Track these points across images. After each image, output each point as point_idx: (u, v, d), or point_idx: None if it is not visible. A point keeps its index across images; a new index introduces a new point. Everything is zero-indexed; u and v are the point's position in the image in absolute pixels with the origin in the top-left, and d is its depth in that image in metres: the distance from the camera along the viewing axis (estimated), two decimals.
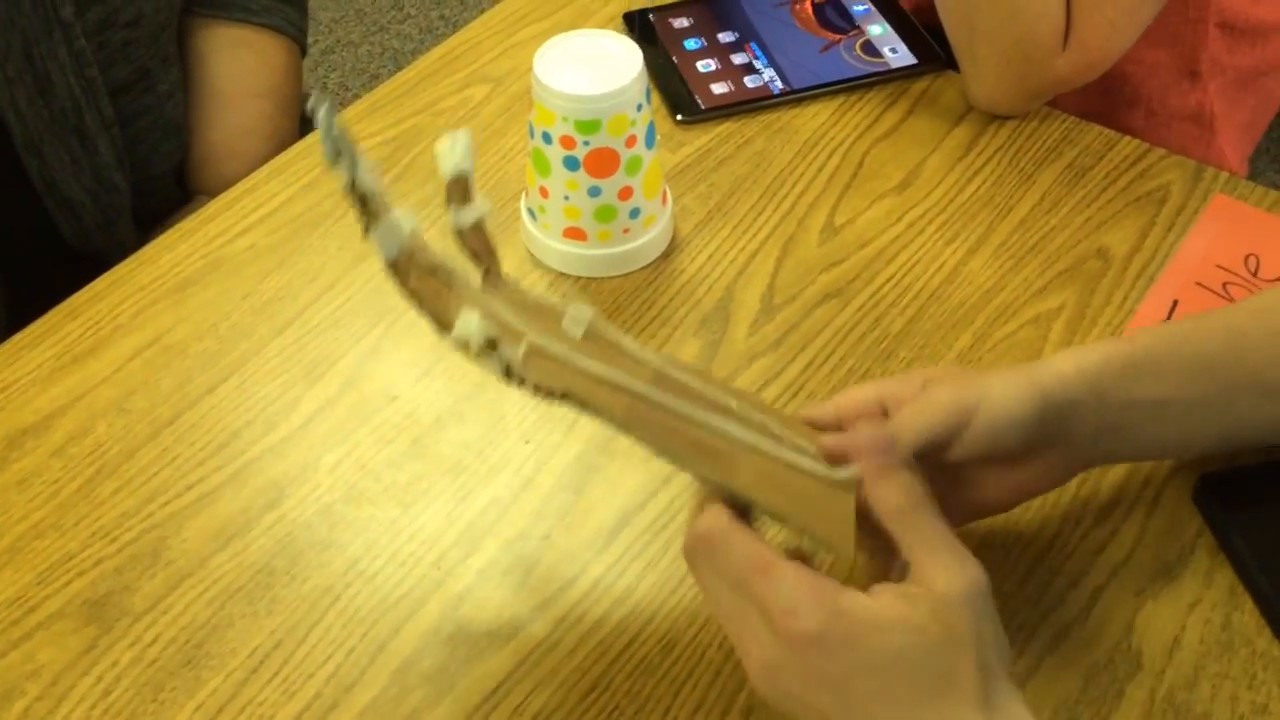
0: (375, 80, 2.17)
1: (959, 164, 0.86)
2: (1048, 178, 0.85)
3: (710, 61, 0.94)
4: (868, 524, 0.51)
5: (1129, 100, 1.00)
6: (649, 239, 0.79)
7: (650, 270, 0.80)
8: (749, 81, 0.92)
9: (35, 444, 0.70)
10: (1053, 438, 0.56)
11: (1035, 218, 0.82)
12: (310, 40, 2.30)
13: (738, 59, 0.94)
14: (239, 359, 0.75)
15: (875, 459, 0.51)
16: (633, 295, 0.79)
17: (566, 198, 0.76)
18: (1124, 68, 0.94)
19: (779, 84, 0.92)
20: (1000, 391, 0.55)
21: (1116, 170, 0.85)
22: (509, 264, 0.81)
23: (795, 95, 0.91)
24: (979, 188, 0.84)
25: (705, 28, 0.97)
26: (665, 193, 0.81)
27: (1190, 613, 0.62)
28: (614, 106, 0.73)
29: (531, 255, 0.81)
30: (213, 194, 0.99)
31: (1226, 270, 0.78)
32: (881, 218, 0.83)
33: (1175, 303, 0.76)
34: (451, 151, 0.55)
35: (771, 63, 0.94)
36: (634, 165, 0.75)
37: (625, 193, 0.76)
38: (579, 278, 0.80)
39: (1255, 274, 0.78)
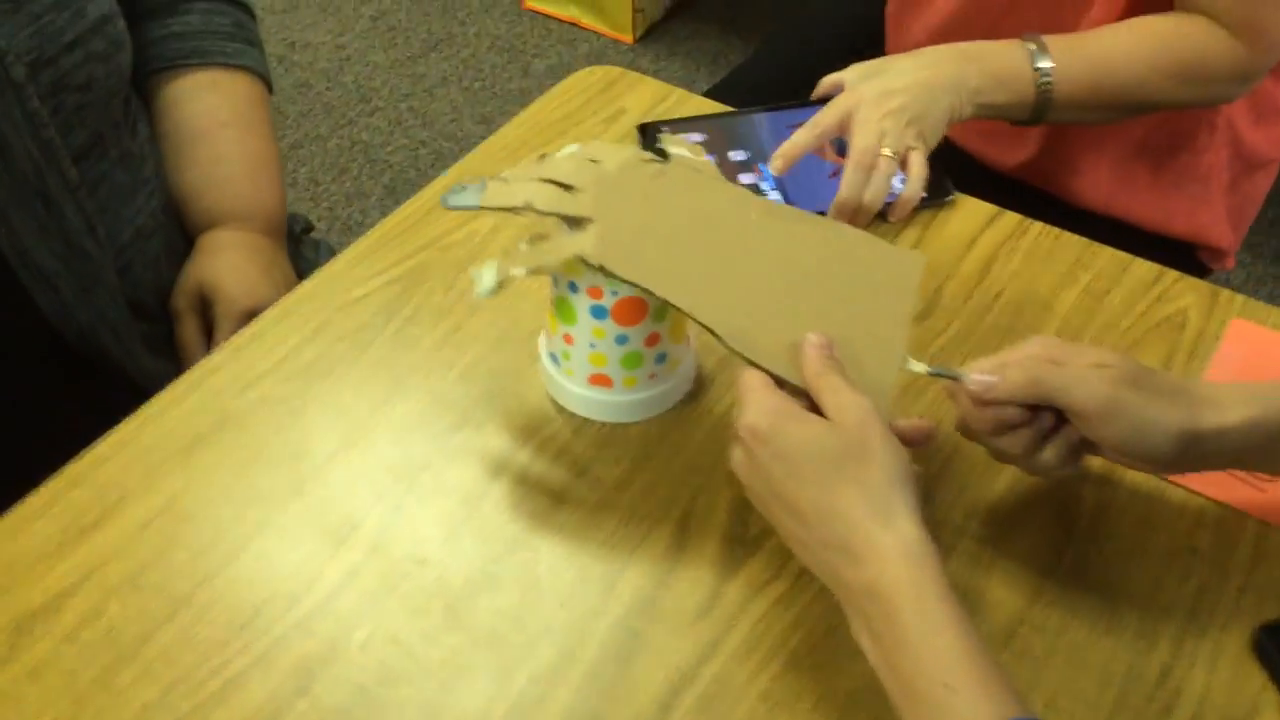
0: (345, 174, 2.16)
1: (976, 290, 0.86)
2: (1066, 302, 0.85)
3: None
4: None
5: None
6: (675, 382, 0.78)
7: (676, 411, 0.78)
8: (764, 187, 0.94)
9: (45, 629, 0.67)
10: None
11: None
12: (279, 134, 2.29)
13: (745, 179, 0.94)
14: (256, 525, 0.72)
15: (809, 346, 0.65)
16: (660, 439, 0.77)
17: (592, 345, 0.74)
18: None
19: (781, 197, 0.93)
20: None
21: (1134, 295, 0.85)
22: (528, 405, 0.78)
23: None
24: (999, 316, 0.84)
25: (718, 144, 0.97)
26: (689, 334, 0.79)
27: None
28: None
29: (552, 399, 0.79)
30: (200, 231, 0.96)
31: None
32: None
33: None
34: (480, 280, 0.69)
35: (779, 185, 0.93)
36: (662, 311, 0.73)
37: (652, 339, 0.74)
38: (603, 423, 0.78)
39: None
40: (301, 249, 1.03)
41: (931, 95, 0.90)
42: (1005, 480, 0.74)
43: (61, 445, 0.75)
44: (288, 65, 2.38)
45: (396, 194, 2.12)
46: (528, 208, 0.70)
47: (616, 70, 1.04)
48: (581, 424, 0.78)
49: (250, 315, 0.90)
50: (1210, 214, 1.09)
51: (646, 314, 0.72)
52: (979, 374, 0.65)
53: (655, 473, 0.75)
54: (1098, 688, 0.64)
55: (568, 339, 0.74)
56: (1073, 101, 0.94)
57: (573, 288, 0.72)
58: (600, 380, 0.76)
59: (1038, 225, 0.90)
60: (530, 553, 0.71)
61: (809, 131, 0.90)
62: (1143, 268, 0.87)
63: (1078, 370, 0.63)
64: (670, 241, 0.69)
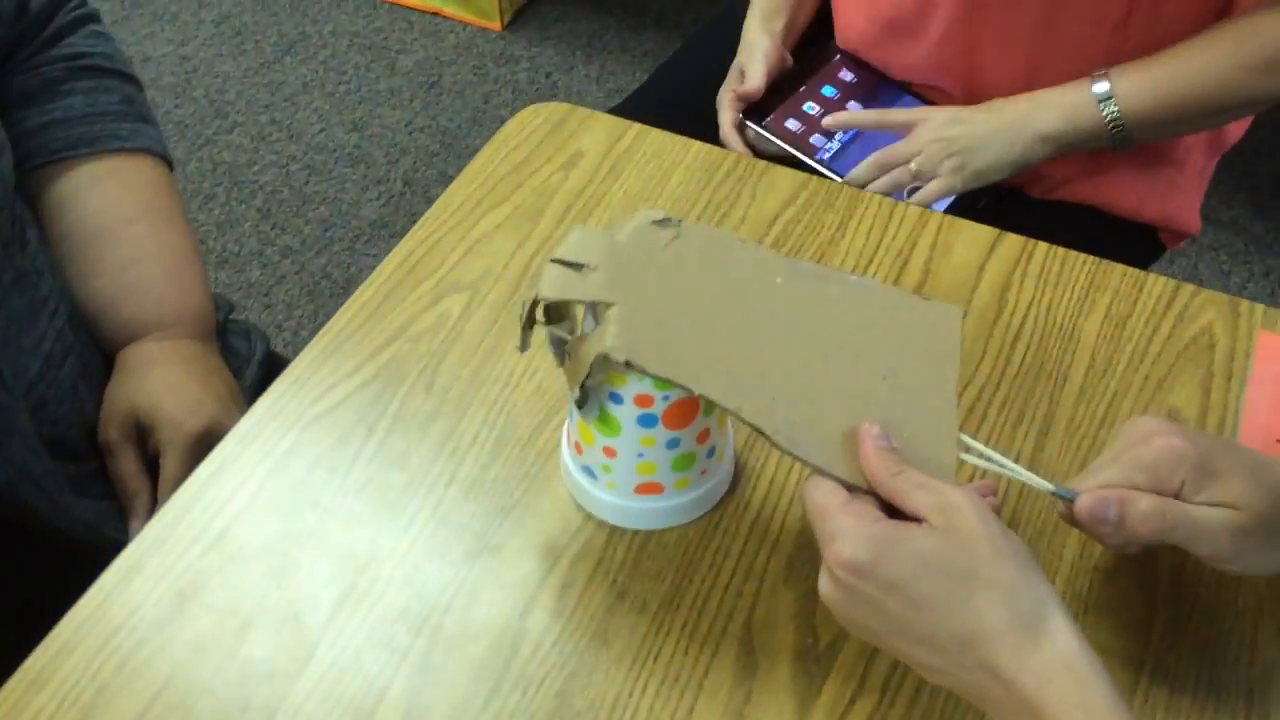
0: (212, 200, 1.98)
1: (995, 327, 0.81)
2: (1090, 332, 0.80)
3: (815, 107, 1.09)
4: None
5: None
6: (724, 472, 0.70)
7: (714, 508, 0.71)
8: (814, 140, 1.07)
9: None
10: None
11: (1092, 382, 0.77)
12: None
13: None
14: (264, 709, 0.62)
15: (867, 442, 0.58)
16: (702, 543, 0.69)
17: (640, 455, 0.66)
18: None
19: (828, 155, 1.06)
20: None
21: (1155, 315, 0.81)
22: (545, 517, 0.70)
23: (823, 171, 1.04)
24: (1025, 354, 0.79)
25: (853, 90, 1.10)
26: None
27: None
28: None
29: (579, 506, 0.70)
30: (120, 346, 0.85)
31: None
32: None
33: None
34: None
35: (848, 142, 1.07)
36: (711, 404, 0.65)
37: (703, 435, 0.66)
38: (637, 530, 0.70)
39: None
40: (230, 340, 0.91)
41: (989, 138, 0.99)
42: (1072, 546, 0.69)
43: None
44: None
45: (272, 217, 1.97)
46: (539, 300, 0.61)
47: (563, 108, 0.95)
48: (611, 532, 0.70)
49: (200, 438, 0.79)
50: (1182, 198, 1.07)
51: (698, 412, 0.64)
52: (1095, 504, 0.58)
53: (703, 583, 0.68)
54: None
55: (609, 452, 0.66)
56: (1151, 119, 0.97)
57: (615, 399, 0.63)
58: (650, 489, 0.68)
59: (1042, 246, 0.86)
60: (583, 701, 0.63)
61: (873, 117, 1.05)
62: (1158, 284, 0.83)
63: (1203, 519, 0.58)
64: (697, 322, 0.62)
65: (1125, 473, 0.59)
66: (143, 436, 0.79)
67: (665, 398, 0.62)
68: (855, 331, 0.64)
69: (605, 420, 0.65)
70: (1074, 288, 0.83)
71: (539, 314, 0.62)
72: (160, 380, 0.79)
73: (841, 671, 0.64)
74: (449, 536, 0.69)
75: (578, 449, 0.68)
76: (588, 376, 0.61)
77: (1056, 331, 0.80)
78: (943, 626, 0.53)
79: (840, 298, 0.65)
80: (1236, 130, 1.08)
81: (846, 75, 1.12)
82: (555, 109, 0.95)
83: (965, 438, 0.62)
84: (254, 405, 0.75)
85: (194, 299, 0.85)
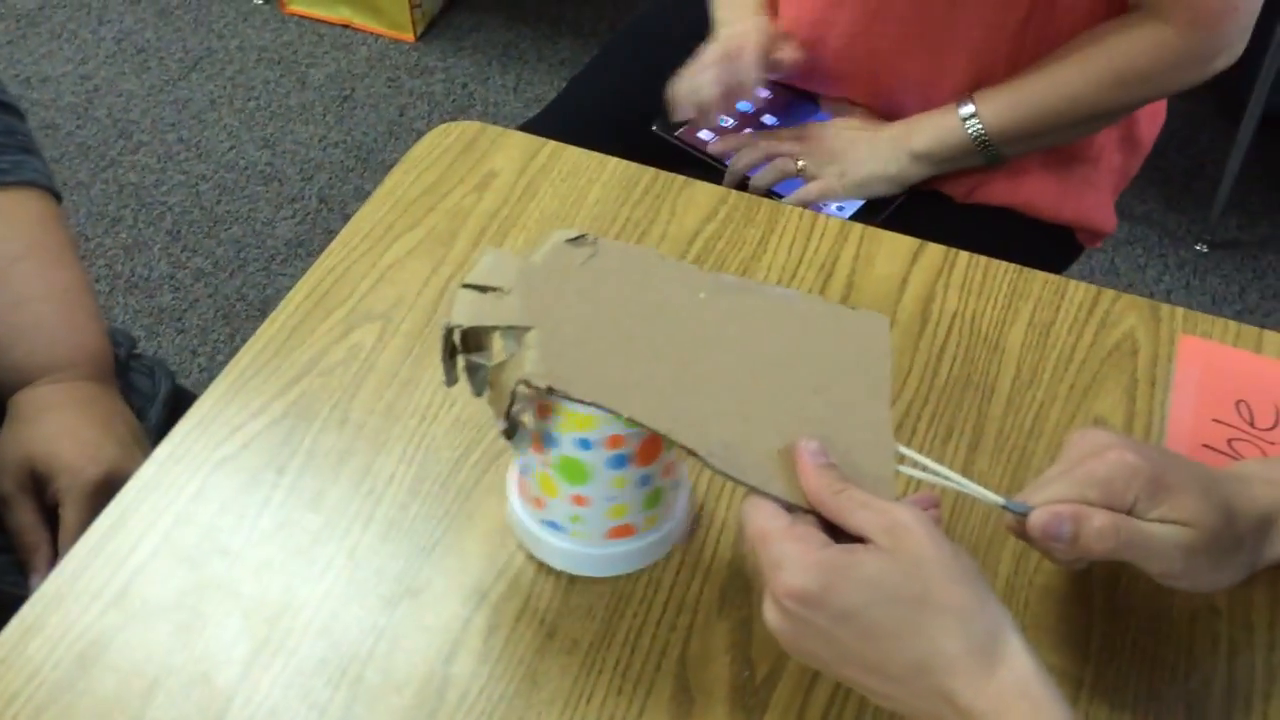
0: (119, 223, 1.92)
1: (921, 340, 0.80)
2: (1015, 341, 0.80)
3: (729, 120, 1.09)
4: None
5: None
6: (683, 503, 0.67)
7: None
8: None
9: None
10: None
11: (1019, 393, 0.77)
12: None
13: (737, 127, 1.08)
14: None
15: (804, 458, 0.56)
16: (633, 578, 0.67)
17: (611, 499, 0.62)
18: None
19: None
20: None
21: (1078, 322, 0.81)
22: (468, 560, 0.67)
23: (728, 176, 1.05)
24: (952, 367, 0.78)
25: (768, 105, 1.10)
26: None
27: None
28: None
29: (533, 558, 0.67)
30: (10, 392, 0.80)
31: (1225, 424, 0.75)
32: None
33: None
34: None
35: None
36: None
37: (669, 468, 0.64)
38: (577, 578, 0.67)
39: (1252, 424, 0.75)
40: (132, 378, 0.87)
41: (869, 153, 1.04)
42: (1008, 561, 0.68)
43: None
44: (27, 104, 2.10)
45: (182, 239, 1.91)
46: (454, 327, 0.59)
47: (474, 127, 0.92)
48: (539, 569, 0.67)
49: (100, 486, 0.75)
50: (1097, 197, 1.07)
51: (663, 444, 0.61)
52: (1049, 521, 0.57)
53: (635, 618, 0.65)
54: None
55: (579, 500, 0.63)
56: (1014, 135, 1.00)
57: (583, 444, 0.60)
58: (622, 532, 0.64)
59: (964, 255, 0.85)
60: None
61: (763, 142, 1.06)
62: (1079, 290, 0.83)
63: (1158, 535, 0.57)
64: (620, 342, 0.59)
65: (1078, 488, 0.58)
66: (40, 486, 0.75)
67: (637, 435, 0.60)
68: (783, 345, 0.62)
69: (572, 469, 0.61)
70: (997, 296, 0.83)
71: (456, 342, 0.60)
72: (56, 426, 0.75)
73: (779, 705, 0.62)
74: (367, 581, 0.66)
75: (537, 504, 0.65)
76: (511, 405, 0.58)
77: (982, 342, 0.80)
78: (895, 655, 0.51)
79: (765, 311, 0.63)
80: (1150, 128, 1.09)
81: (762, 91, 1.10)
82: (467, 128, 0.92)
83: (903, 449, 0.60)
84: (156, 449, 0.71)
85: (88, 338, 0.80)
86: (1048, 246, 1.10)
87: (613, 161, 0.91)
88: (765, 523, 0.55)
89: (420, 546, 0.68)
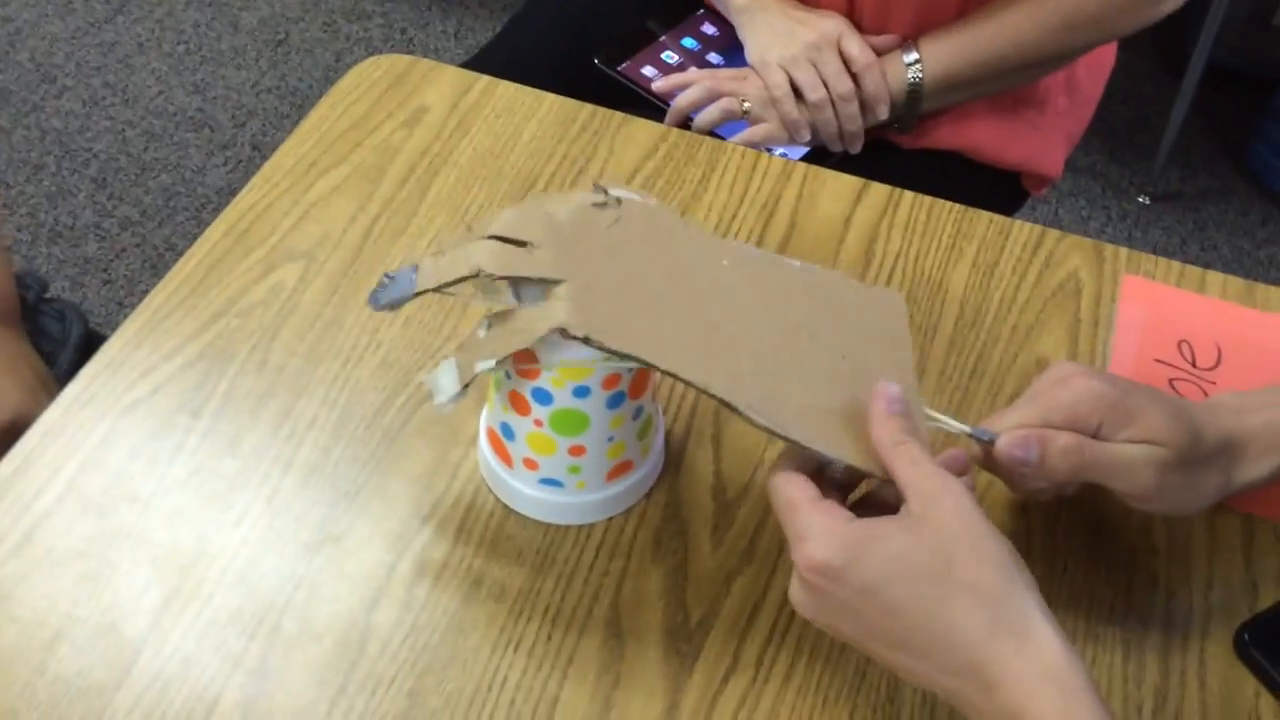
0: (41, 170, 1.85)
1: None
2: (958, 281, 0.78)
3: (675, 56, 1.06)
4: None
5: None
6: (661, 424, 0.67)
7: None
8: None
9: None
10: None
11: (962, 333, 0.75)
12: None
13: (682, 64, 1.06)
14: None
15: (881, 403, 0.55)
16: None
17: (611, 438, 0.61)
18: None
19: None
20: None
21: (1022, 263, 0.79)
22: (391, 501, 0.65)
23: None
24: None
25: (714, 44, 1.07)
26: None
27: None
28: None
29: (560, 528, 0.64)
30: None
31: (1166, 364, 0.74)
32: None
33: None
34: (439, 387, 0.57)
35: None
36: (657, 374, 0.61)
37: (653, 393, 0.63)
38: (490, 515, 0.65)
39: (1194, 364, 0.74)
40: (43, 323, 0.82)
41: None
42: None
43: None
44: None
45: (109, 187, 1.84)
46: (479, 275, 0.55)
47: (404, 60, 0.88)
48: (467, 513, 0.65)
49: (4, 432, 0.71)
50: (1042, 139, 1.06)
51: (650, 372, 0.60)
52: (1015, 444, 0.57)
53: (566, 564, 0.63)
54: None
55: (577, 450, 0.61)
56: (959, 79, 0.98)
57: (581, 392, 0.58)
58: (622, 469, 0.63)
59: (909, 195, 0.83)
60: (438, 698, 0.58)
61: (707, 79, 1.01)
62: (1023, 230, 0.81)
63: (1125, 454, 0.57)
64: (650, 300, 0.57)
65: (1042, 413, 0.58)
66: None
67: (630, 370, 0.58)
68: (808, 313, 0.61)
69: (571, 420, 0.59)
70: (941, 237, 0.81)
71: (454, 287, 0.56)
72: None
73: (714, 649, 0.60)
74: (286, 528, 0.63)
75: (529, 465, 0.62)
76: (509, 356, 0.56)
77: (925, 282, 0.78)
78: (918, 631, 0.49)
79: (788, 281, 0.62)
80: (1094, 73, 1.08)
81: (709, 29, 1.08)
82: (397, 61, 0.88)
83: (945, 419, 0.60)
84: (62, 393, 0.68)
85: None
86: (994, 192, 1.09)
87: (549, 98, 0.88)
88: (794, 493, 0.53)
89: (343, 492, 0.65)
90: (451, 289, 0.56)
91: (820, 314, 0.61)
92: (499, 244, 0.57)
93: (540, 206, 0.59)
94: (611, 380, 0.58)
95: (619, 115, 0.87)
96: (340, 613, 0.60)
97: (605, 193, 0.60)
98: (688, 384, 0.55)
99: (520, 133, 0.85)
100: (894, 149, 1.05)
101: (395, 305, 0.58)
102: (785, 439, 0.55)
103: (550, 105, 0.87)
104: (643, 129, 0.86)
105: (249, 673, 0.58)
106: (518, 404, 0.60)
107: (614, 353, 0.54)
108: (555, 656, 0.60)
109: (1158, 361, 0.74)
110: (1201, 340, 0.75)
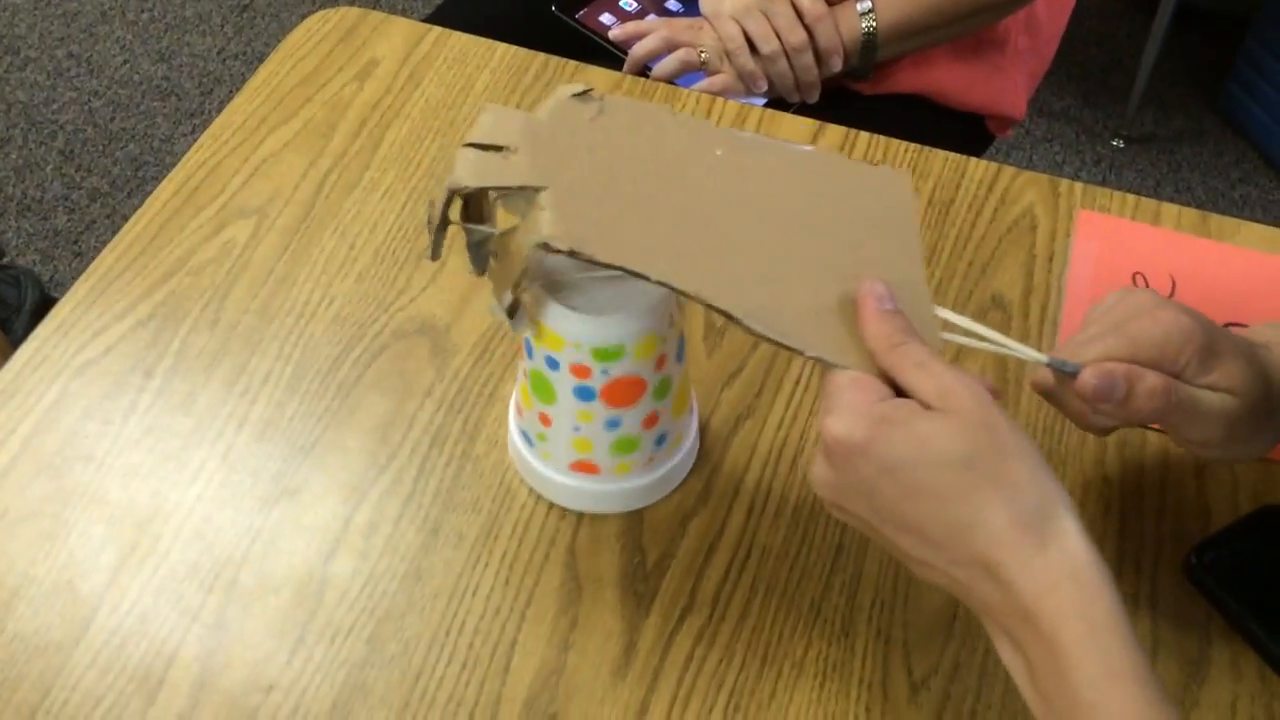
0: (8, 144, 1.83)
1: None
2: None
3: (634, 4, 1.06)
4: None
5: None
6: (676, 461, 0.63)
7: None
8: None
9: None
10: None
11: None
12: None
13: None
14: (38, 685, 0.56)
15: (869, 303, 0.52)
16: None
17: (576, 429, 0.59)
18: None
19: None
20: None
21: (977, 200, 0.79)
22: (350, 456, 0.65)
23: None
24: None
25: None
26: (693, 400, 0.65)
27: (1234, 715, 0.58)
28: (643, 329, 0.56)
29: (523, 480, 0.64)
30: None
31: None
32: None
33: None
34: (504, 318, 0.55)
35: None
36: (663, 388, 0.59)
37: (650, 420, 0.60)
38: (460, 470, 0.65)
39: None
40: None
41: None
42: None
43: None
44: None
45: (76, 159, 1.82)
46: (458, 190, 0.52)
47: (355, 13, 0.87)
48: (423, 464, 0.65)
49: None
50: (1005, 80, 1.05)
51: (644, 393, 0.58)
52: (1102, 378, 0.54)
53: (523, 510, 0.63)
54: None
55: (544, 419, 0.60)
56: (904, 28, 0.98)
57: (551, 364, 0.57)
58: (585, 467, 0.61)
59: (865, 136, 0.83)
60: (397, 644, 0.58)
61: (663, 28, 1.00)
62: (979, 168, 0.81)
63: (1205, 403, 0.55)
64: (638, 202, 0.54)
65: (1130, 346, 0.54)
66: None
67: (604, 371, 0.56)
68: (808, 202, 0.57)
69: (540, 384, 0.58)
70: None
71: (454, 212, 0.53)
72: None
73: (670, 588, 0.61)
74: (242, 483, 0.63)
75: (519, 410, 0.62)
76: (521, 277, 0.53)
77: None
78: (937, 518, 0.47)
79: (786, 168, 0.58)
80: (1053, 12, 1.07)
81: None
82: (347, 13, 0.87)
83: (940, 311, 0.55)
84: (13, 356, 0.67)
85: None
86: (959, 136, 1.08)
87: (501, 47, 0.87)
88: (839, 379, 0.51)
89: (298, 446, 0.65)
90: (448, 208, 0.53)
91: (821, 203, 0.57)
92: (476, 152, 0.53)
93: (518, 108, 0.55)
94: (579, 370, 0.56)
95: (572, 64, 0.86)
96: (297, 564, 0.61)
97: (585, 87, 0.57)
98: (681, 293, 0.51)
99: (473, 84, 0.84)
100: (855, 96, 1.05)
101: (437, 249, 0.55)
102: (787, 348, 0.52)
103: (503, 55, 0.86)
104: (597, 77, 0.86)
105: (207, 626, 0.58)
106: (533, 328, 0.58)
107: (602, 264, 0.51)
108: (513, 600, 0.60)
109: None
110: (1156, 272, 0.75)
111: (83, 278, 0.71)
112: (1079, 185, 0.80)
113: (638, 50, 1.00)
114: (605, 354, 0.55)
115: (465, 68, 0.85)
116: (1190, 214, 0.79)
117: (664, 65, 1.00)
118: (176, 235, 0.74)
